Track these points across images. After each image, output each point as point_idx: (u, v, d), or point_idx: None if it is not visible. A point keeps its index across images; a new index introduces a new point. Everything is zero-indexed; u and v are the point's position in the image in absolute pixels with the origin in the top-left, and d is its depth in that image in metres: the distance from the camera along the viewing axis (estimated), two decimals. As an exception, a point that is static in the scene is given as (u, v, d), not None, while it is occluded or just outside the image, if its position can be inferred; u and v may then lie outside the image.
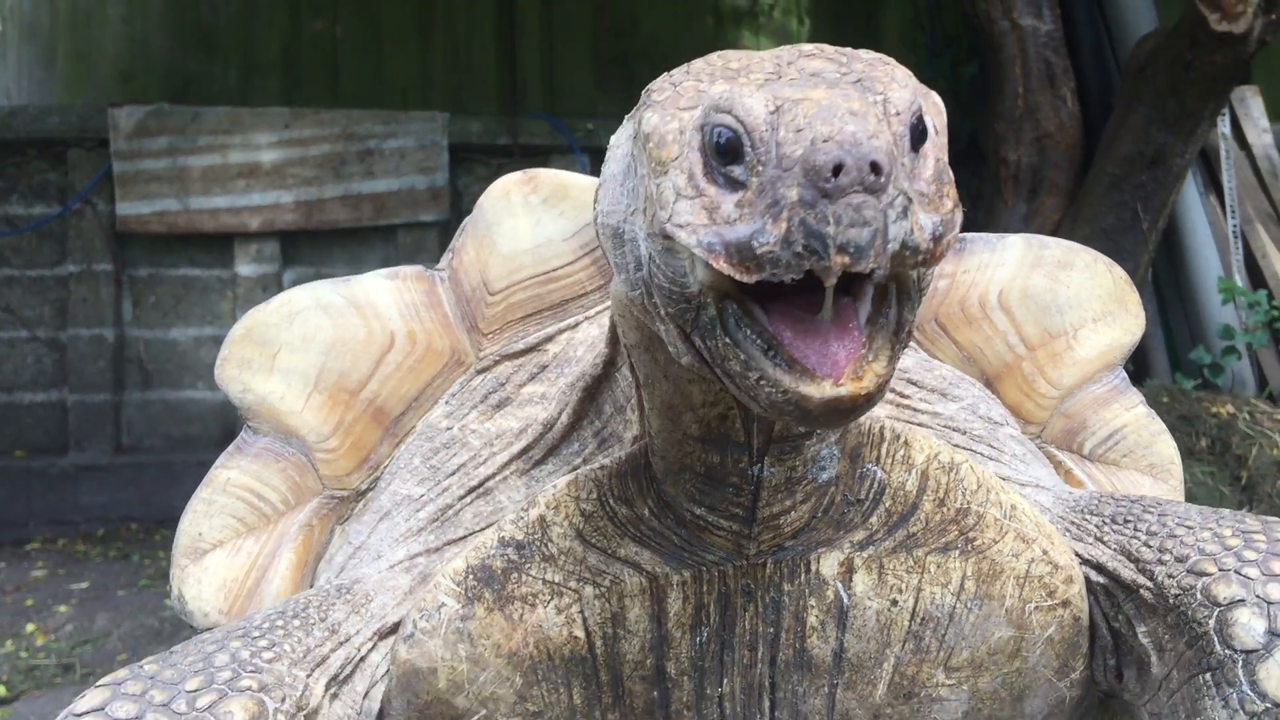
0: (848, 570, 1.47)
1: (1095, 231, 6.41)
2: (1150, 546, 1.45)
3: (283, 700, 1.34)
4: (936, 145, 1.15)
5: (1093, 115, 6.89)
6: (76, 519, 7.61)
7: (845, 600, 1.48)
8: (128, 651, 5.12)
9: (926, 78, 7.98)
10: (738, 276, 1.07)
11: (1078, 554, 1.53)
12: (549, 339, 1.72)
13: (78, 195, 8.04)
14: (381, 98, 8.84)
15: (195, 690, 1.31)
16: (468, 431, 1.67)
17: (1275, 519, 1.44)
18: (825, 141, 1.02)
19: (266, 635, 1.42)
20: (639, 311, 1.27)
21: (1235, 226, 7.15)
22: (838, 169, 1.01)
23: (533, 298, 1.72)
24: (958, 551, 1.49)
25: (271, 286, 8.13)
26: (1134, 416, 1.82)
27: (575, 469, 1.58)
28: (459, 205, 8.38)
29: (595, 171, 1.54)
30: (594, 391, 1.59)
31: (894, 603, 1.48)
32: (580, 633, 1.47)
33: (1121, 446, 1.82)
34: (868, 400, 1.07)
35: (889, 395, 1.69)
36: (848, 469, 1.45)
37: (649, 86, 1.25)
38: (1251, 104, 7.67)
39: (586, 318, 1.73)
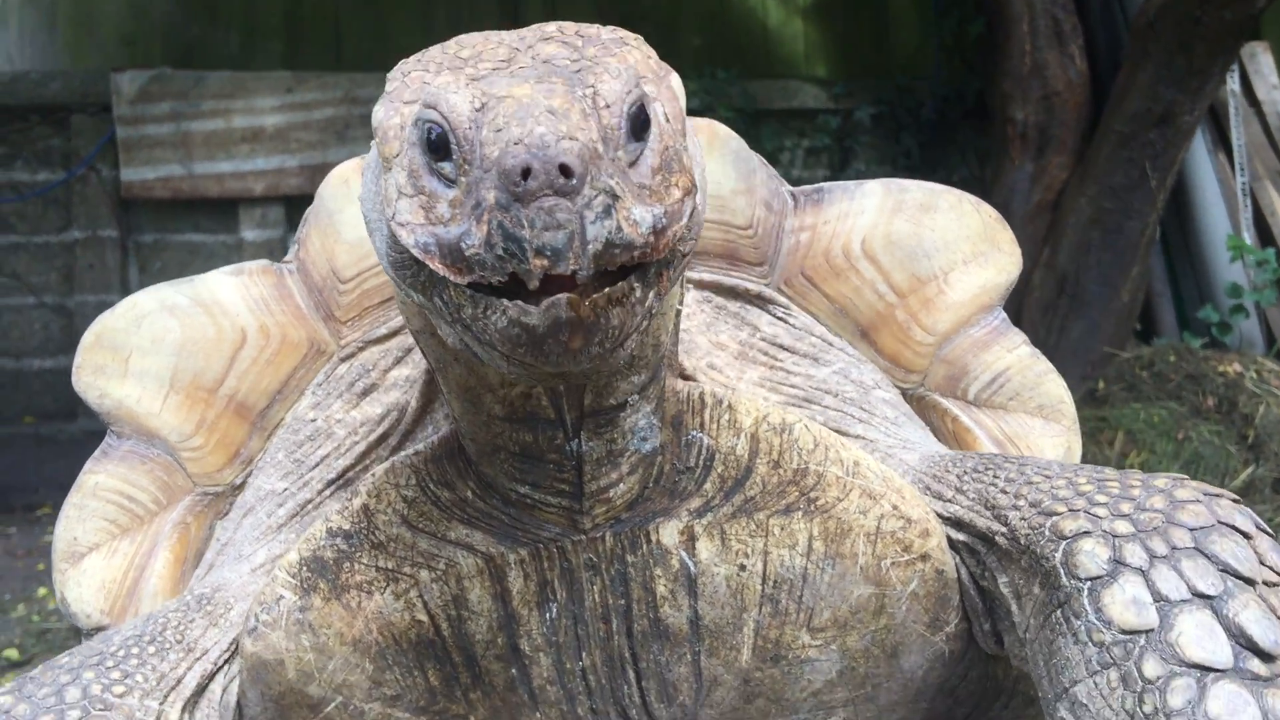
0: (689, 538, 1.46)
1: (1103, 190, 6.38)
2: (1007, 493, 1.43)
3: None
4: (666, 134, 1.13)
5: (1101, 73, 6.83)
6: (86, 484, 7.62)
7: (691, 568, 1.46)
8: (139, 615, 5.15)
9: (932, 37, 7.88)
10: (452, 278, 1.07)
11: (939, 513, 1.51)
12: None
13: (82, 161, 8.02)
14: (384, 60, 8.70)
15: None
16: (333, 422, 1.67)
17: (1135, 471, 1.40)
18: (516, 144, 1.02)
19: (120, 664, 1.41)
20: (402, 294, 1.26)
21: (1244, 184, 7.11)
22: (526, 172, 1.01)
23: (388, 282, 1.68)
24: (800, 513, 1.46)
25: (277, 251, 8.11)
26: (1016, 358, 1.78)
27: None
28: (463, 168, 8.33)
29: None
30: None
31: (742, 567, 1.47)
32: (423, 616, 1.46)
33: (1007, 389, 1.78)
34: (601, 315, 1.07)
35: (760, 358, 1.68)
36: (672, 437, 1.43)
37: (389, 74, 1.24)
38: (1261, 60, 7.60)
39: None
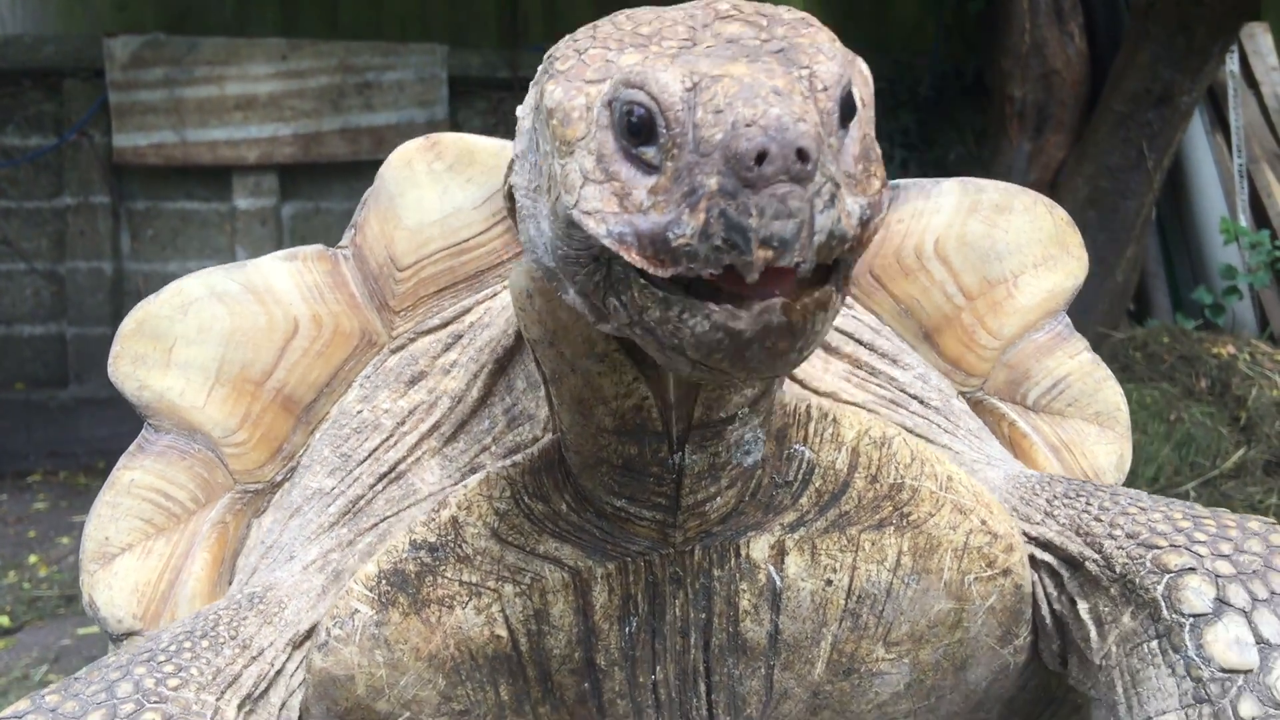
0: (779, 553, 1.43)
1: (1100, 170, 6.36)
2: (1101, 521, 1.44)
3: None
4: (864, 120, 1.08)
5: (1100, 52, 6.81)
6: (77, 451, 7.63)
7: (778, 583, 1.44)
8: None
9: (932, 14, 7.87)
10: (651, 270, 1.00)
11: (1025, 533, 1.50)
12: (466, 311, 1.63)
13: (73, 126, 7.97)
14: (380, 29, 8.73)
15: None
16: (379, 412, 1.61)
17: (1224, 510, 1.44)
18: (748, 125, 0.95)
19: (173, 659, 1.36)
20: (546, 301, 1.21)
21: (1241, 166, 7.10)
22: (761, 156, 0.95)
23: (445, 271, 1.64)
24: (893, 527, 1.44)
25: (270, 220, 8.08)
26: (1078, 364, 1.77)
27: (485, 448, 1.53)
28: (459, 139, 8.30)
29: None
30: (505, 364, 1.53)
31: (829, 582, 1.45)
32: (503, 631, 1.43)
33: (1066, 395, 1.77)
34: (810, 320, 1.00)
35: (843, 353, 1.64)
36: (774, 451, 1.40)
37: (550, 52, 1.16)
38: (1261, 41, 7.58)
39: (505, 286, 1.63)
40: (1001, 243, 1.70)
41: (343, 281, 1.66)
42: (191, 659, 1.37)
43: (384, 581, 1.41)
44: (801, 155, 0.95)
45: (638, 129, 1.02)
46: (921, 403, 1.64)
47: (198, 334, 1.62)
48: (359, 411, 1.62)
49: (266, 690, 1.43)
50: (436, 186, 1.63)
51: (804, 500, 1.43)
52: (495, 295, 1.63)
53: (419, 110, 8.22)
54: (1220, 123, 7.21)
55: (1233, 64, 7.18)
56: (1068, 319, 1.78)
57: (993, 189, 1.71)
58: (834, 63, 1.04)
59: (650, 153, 1.02)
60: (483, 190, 1.62)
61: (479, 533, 1.41)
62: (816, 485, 1.43)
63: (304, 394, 1.64)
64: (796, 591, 1.44)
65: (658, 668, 1.46)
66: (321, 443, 1.63)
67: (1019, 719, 1.62)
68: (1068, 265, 1.74)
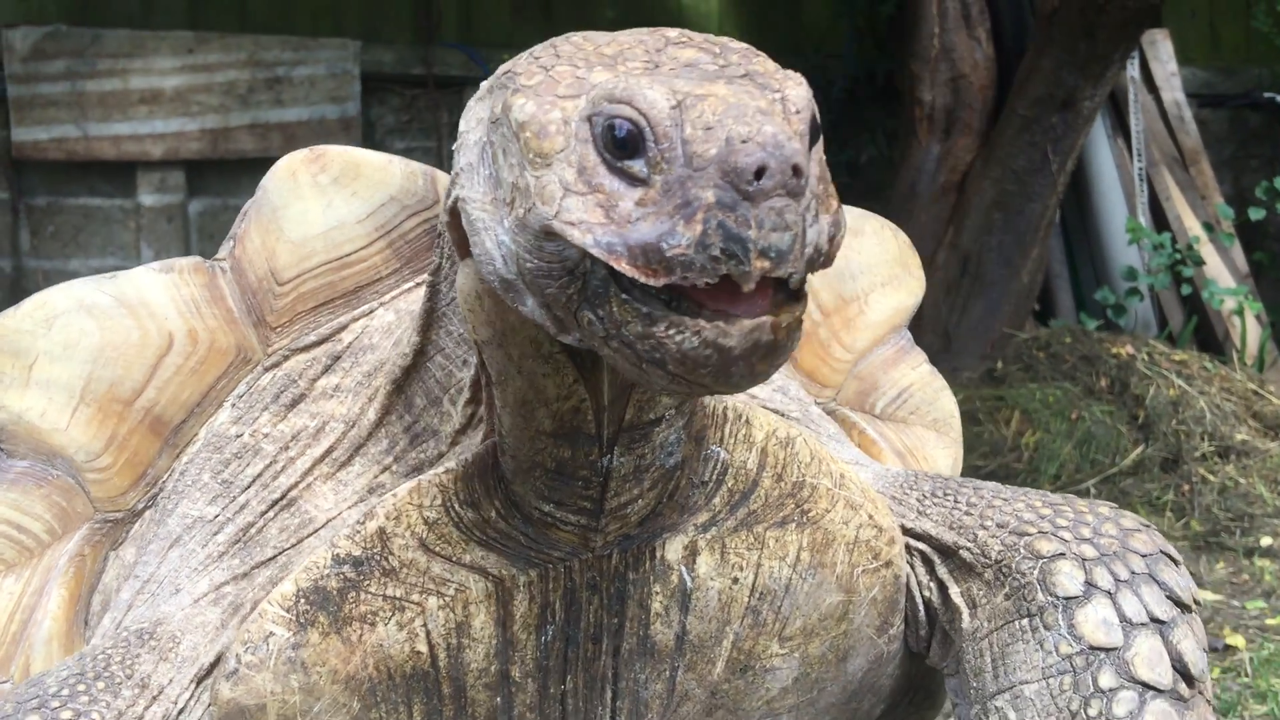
0: (691, 553, 1.46)
1: (1006, 173, 6.48)
2: (971, 514, 1.56)
3: None
4: (820, 144, 1.15)
5: (1007, 57, 6.92)
6: (-26, 454, 7.40)
7: (689, 583, 1.47)
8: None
9: (844, 17, 7.94)
10: (643, 279, 1.03)
11: (901, 526, 1.59)
12: (342, 328, 1.61)
13: (-30, 119, 7.73)
14: (291, 23, 8.58)
15: None
16: (259, 436, 1.56)
17: (1072, 496, 1.58)
18: (744, 142, 1.01)
19: (69, 703, 1.26)
20: (496, 303, 1.22)
21: (1141, 170, 7.27)
22: (760, 171, 1.01)
23: (325, 285, 1.61)
24: (794, 524, 1.50)
25: (176, 217, 7.92)
26: (919, 375, 1.89)
27: (386, 468, 1.50)
28: (371, 136, 8.21)
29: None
30: (402, 384, 1.50)
31: (735, 580, 1.49)
32: (423, 647, 1.40)
33: (909, 404, 1.88)
34: (789, 337, 1.06)
35: None
36: (693, 452, 1.43)
37: (508, 68, 1.19)
38: (1161, 47, 7.78)
39: (381, 303, 1.63)
40: (855, 263, 1.82)
41: (220, 296, 1.61)
42: (90, 703, 1.28)
43: (303, 600, 1.37)
44: (796, 171, 1.01)
45: (623, 143, 1.06)
46: (781, 415, 1.67)
47: (63, 350, 1.55)
48: (238, 435, 1.57)
49: None
50: (321, 199, 1.61)
51: (717, 500, 1.47)
52: (371, 314, 1.62)
53: (330, 106, 8.11)
54: (1121, 127, 7.38)
55: (1133, 70, 7.36)
56: (909, 334, 1.92)
57: (845, 213, 1.82)
58: (802, 88, 1.11)
59: (636, 166, 1.06)
60: (367, 204, 1.61)
61: (406, 544, 1.38)
62: (729, 485, 1.47)
63: (174, 414, 1.58)
64: (705, 591, 1.48)
65: (568, 677, 1.47)
66: (198, 468, 1.57)
67: (885, 706, 1.71)
68: (909, 284, 1.89)
